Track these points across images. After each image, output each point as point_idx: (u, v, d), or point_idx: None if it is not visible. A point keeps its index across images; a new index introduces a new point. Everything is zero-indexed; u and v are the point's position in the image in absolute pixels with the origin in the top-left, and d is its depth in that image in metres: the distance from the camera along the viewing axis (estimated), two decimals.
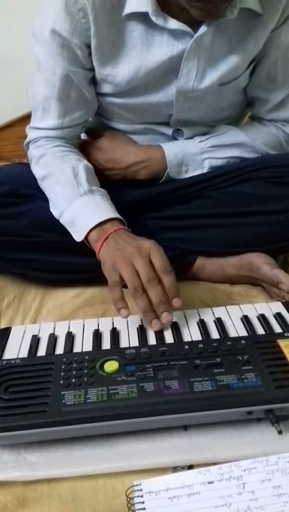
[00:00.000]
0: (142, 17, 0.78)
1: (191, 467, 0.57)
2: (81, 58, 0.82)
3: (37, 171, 0.89)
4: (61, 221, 0.83)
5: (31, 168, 0.91)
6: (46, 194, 0.87)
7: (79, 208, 0.81)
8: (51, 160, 0.87)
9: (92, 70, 0.84)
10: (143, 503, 0.51)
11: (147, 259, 0.71)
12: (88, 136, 1.00)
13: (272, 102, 0.92)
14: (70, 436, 0.59)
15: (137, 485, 0.53)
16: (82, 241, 0.81)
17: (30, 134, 0.92)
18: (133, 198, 0.90)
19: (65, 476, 0.57)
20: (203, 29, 0.78)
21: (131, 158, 0.91)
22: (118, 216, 0.80)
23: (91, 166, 0.89)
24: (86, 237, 0.79)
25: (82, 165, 0.86)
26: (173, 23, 0.78)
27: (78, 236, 0.80)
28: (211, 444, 0.58)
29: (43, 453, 0.59)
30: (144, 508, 0.50)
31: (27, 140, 0.93)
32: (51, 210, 0.85)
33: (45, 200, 0.88)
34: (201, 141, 0.91)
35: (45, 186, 0.87)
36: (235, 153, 0.92)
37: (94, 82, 0.87)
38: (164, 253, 0.73)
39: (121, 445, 0.59)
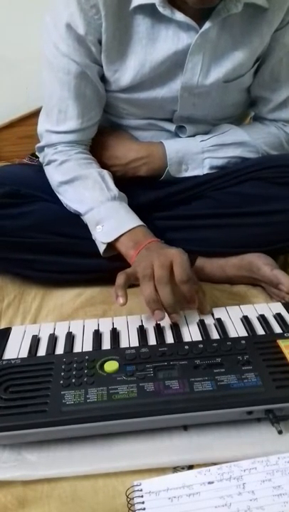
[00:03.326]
0: (149, 10, 0.78)
1: (191, 467, 0.57)
2: (95, 54, 0.82)
3: (57, 175, 0.89)
4: (85, 218, 0.84)
5: (47, 171, 0.91)
6: (67, 196, 0.87)
7: (109, 210, 0.82)
8: (76, 166, 0.87)
9: (103, 67, 0.85)
10: (143, 503, 0.51)
11: (166, 263, 0.72)
12: None
13: (275, 101, 0.93)
14: (70, 436, 0.59)
15: (137, 485, 0.53)
16: (85, 242, 0.82)
17: (48, 138, 0.91)
18: (135, 201, 0.90)
19: (65, 476, 0.56)
20: (208, 24, 0.79)
21: (132, 154, 0.92)
22: (144, 225, 0.82)
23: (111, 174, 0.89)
24: (115, 242, 0.81)
25: (106, 171, 0.88)
26: (180, 15, 0.78)
27: (106, 238, 0.81)
28: (211, 444, 0.58)
29: (43, 453, 0.59)
30: (144, 509, 0.50)
31: (43, 143, 0.93)
32: (73, 206, 0.86)
33: (46, 200, 0.88)
34: (202, 141, 0.92)
35: (68, 189, 0.87)
36: (236, 152, 0.92)
37: (103, 79, 0.87)
38: (187, 261, 0.73)
39: (121, 445, 0.59)
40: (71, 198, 0.87)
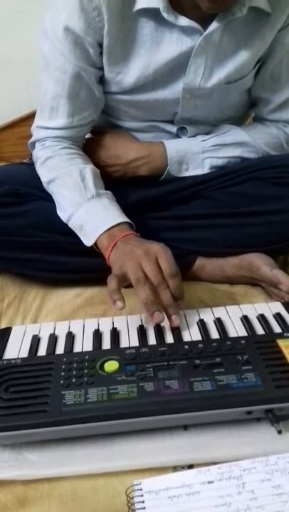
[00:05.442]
0: (153, 14, 0.78)
1: (191, 467, 0.57)
2: (93, 56, 0.82)
3: (43, 173, 0.89)
4: (70, 225, 0.83)
5: (36, 168, 0.91)
6: (53, 197, 0.87)
7: (87, 212, 0.81)
8: (58, 163, 0.87)
9: (102, 69, 0.85)
10: (143, 502, 0.51)
11: (155, 263, 0.71)
12: (91, 134, 1.00)
13: (276, 102, 0.93)
14: (71, 436, 0.59)
15: (137, 484, 0.53)
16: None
17: (37, 133, 0.92)
18: (134, 199, 0.90)
19: (65, 476, 0.57)
20: (213, 26, 0.79)
21: (132, 154, 0.92)
22: (127, 220, 0.80)
23: (97, 169, 0.89)
24: (95, 242, 0.80)
25: (88, 168, 0.86)
26: (183, 20, 0.78)
27: (88, 241, 0.80)
28: (210, 444, 0.59)
29: (44, 452, 0.59)
30: (144, 508, 0.50)
31: (33, 139, 0.93)
32: (59, 213, 0.85)
33: (46, 199, 0.88)
34: (203, 141, 0.92)
35: (53, 189, 0.87)
36: (237, 152, 0.92)
37: (102, 81, 0.88)
38: (172, 255, 0.73)
39: (121, 445, 0.59)
40: (56, 201, 0.86)
